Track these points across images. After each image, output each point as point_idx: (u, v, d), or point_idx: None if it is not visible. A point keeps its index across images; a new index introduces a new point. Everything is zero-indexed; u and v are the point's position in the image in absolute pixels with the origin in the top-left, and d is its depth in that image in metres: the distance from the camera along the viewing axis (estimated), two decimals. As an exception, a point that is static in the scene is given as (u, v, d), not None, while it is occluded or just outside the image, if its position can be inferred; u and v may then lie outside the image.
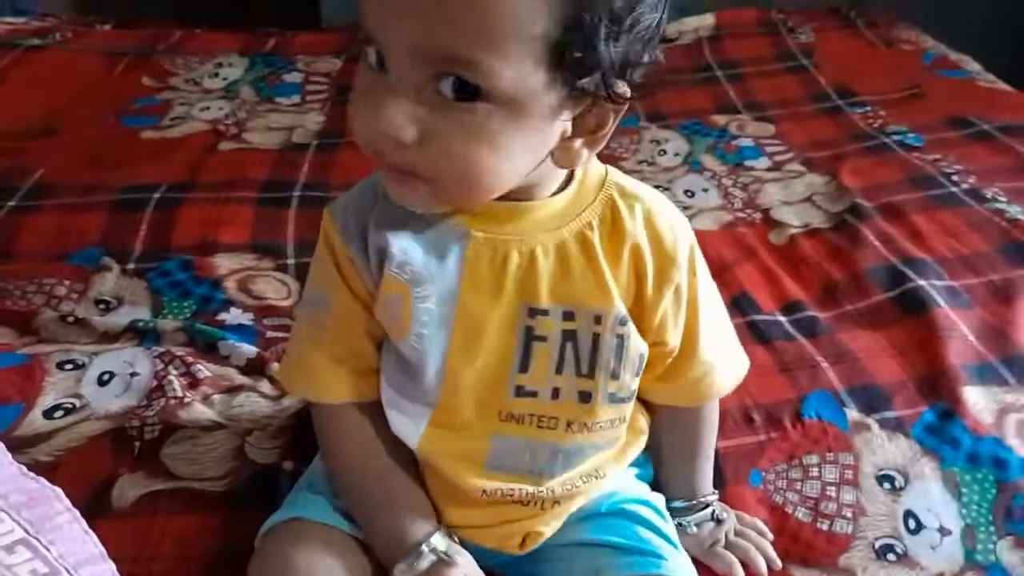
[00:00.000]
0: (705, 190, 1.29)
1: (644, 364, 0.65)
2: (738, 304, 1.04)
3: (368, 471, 0.67)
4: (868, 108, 1.52)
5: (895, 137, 1.41)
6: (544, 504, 0.67)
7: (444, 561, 0.62)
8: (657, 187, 1.27)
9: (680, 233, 0.64)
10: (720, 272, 1.08)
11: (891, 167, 1.32)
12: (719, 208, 1.24)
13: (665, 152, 1.39)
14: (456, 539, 0.65)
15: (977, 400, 0.89)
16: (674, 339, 0.65)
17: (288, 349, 0.71)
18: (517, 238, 0.60)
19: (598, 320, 0.61)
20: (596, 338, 0.62)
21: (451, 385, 0.63)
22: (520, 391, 0.63)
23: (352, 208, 0.63)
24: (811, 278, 1.10)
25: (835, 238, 1.17)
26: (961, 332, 0.98)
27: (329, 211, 0.64)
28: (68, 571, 0.49)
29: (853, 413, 0.88)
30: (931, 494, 0.80)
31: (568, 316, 0.61)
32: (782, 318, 1.02)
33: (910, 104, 1.52)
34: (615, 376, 0.63)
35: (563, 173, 0.60)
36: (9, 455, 0.55)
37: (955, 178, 1.28)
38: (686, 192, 1.28)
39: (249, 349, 0.94)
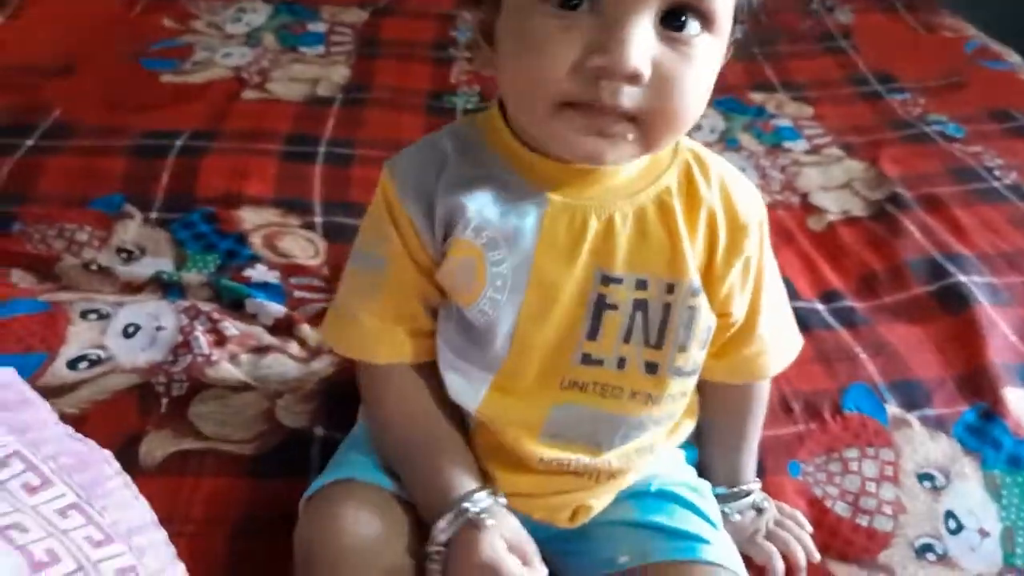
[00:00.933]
0: (743, 170, 1.25)
1: (711, 337, 0.64)
2: None
3: (414, 430, 0.65)
4: (908, 95, 1.48)
5: (935, 127, 1.38)
6: (599, 477, 0.66)
7: (475, 523, 0.60)
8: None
9: (754, 203, 0.64)
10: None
11: (931, 157, 1.29)
12: (757, 189, 1.21)
13: (700, 127, 1.35)
14: (503, 501, 0.64)
15: (1018, 401, 0.87)
16: (739, 311, 0.64)
17: (335, 305, 0.68)
18: (596, 203, 0.59)
19: (671, 290, 0.60)
20: (667, 308, 0.61)
21: (519, 351, 0.61)
22: (586, 359, 0.62)
23: (414, 168, 0.61)
24: (849, 267, 1.07)
25: (874, 227, 1.14)
26: (1002, 331, 0.96)
27: (389, 170, 0.62)
28: (121, 538, 0.47)
29: (893, 408, 0.86)
30: (972, 495, 0.79)
31: (641, 285, 0.60)
32: (820, 306, 1.00)
33: (950, 93, 1.49)
34: (683, 348, 0.62)
35: None
36: (55, 414, 0.53)
37: (997, 172, 1.25)
38: (722, 171, 1.25)
39: (277, 308, 0.91)
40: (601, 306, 0.60)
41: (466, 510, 0.61)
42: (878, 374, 0.90)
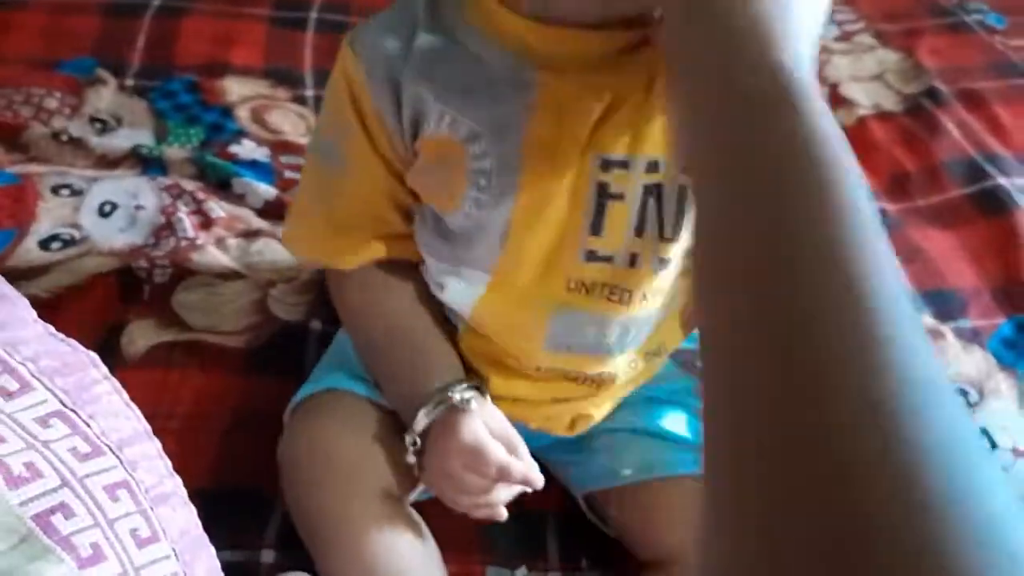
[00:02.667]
0: (769, 55, 1.16)
1: None
2: None
3: (390, 330, 0.59)
4: (947, -21, 1.37)
5: (975, 15, 1.28)
6: (602, 383, 0.60)
7: (457, 408, 0.55)
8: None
9: None
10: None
11: (972, 49, 1.20)
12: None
13: None
14: (487, 394, 0.58)
15: (1057, 315, 0.83)
16: None
17: (295, 203, 0.61)
18: (596, 78, 0.49)
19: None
20: (683, 190, 0.52)
21: (514, 254, 0.53)
22: (592, 256, 0.53)
23: (381, 44, 0.50)
24: (880, 166, 1.00)
25: (908, 123, 1.06)
26: (1043, 238, 0.90)
27: (350, 47, 0.51)
28: (111, 450, 0.41)
29: (926, 319, 0.81)
30: (1006, 412, 0.75)
31: (651, 167, 0.51)
32: (850, 207, 0.94)
33: (993, -21, 1.38)
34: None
35: None
36: (33, 312, 0.47)
37: (1041, 68, 1.17)
38: (747, 56, 1.16)
39: (267, 189, 0.84)
40: (604, 196, 0.51)
41: (448, 397, 0.55)
42: (912, 281, 0.85)
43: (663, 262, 0.54)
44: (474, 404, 0.55)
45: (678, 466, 0.60)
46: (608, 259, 0.53)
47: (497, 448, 0.54)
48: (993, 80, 1.14)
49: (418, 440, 0.56)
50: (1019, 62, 1.18)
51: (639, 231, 0.53)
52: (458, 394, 0.55)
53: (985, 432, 0.73)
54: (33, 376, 0.43)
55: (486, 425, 0.55)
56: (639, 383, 0.63)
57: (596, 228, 0.52)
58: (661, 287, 0.56)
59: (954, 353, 0.79)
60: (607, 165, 0.51)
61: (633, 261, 0.54)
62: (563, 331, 0.56)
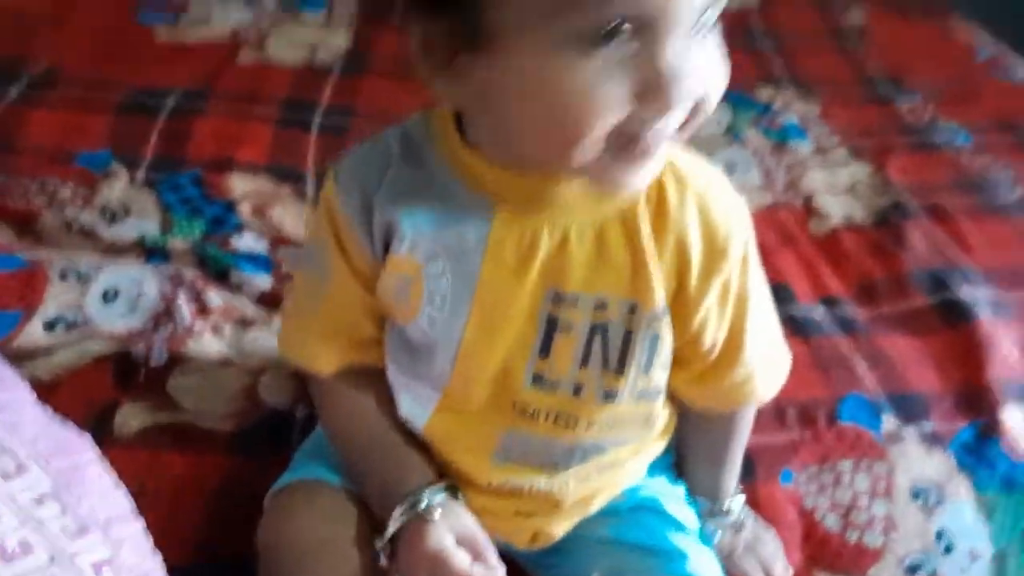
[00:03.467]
0: (747, 167, 1.23)
1: (670, 361, 0.59)
2: (776, 293, 0.96)
3: (365, 433, 0.63)
4: (917, 99, 1.45)
5: (944, 134, 1.35)
6: (557, 497, 0.62)
7: (423, 516, 0.57)
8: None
9: (736, 224, 0.56)
10: (759, 257, 1.03)
11: (939, 166, 1.27)
12: (760, 188, 1.19)
13: (706, 120, 1.32)
14: (459, 494, 0.61)
15: (1017, 421, 0.86)
16: (712, 338, 0.58)
17: (285, 310, 0.66)
18: (550, 216, 0.53)
19: (632, 311, 0.55)
20: (628, 331, 0.55)
21: (463, 372, 0.57)
22: (537, 380, 0.57)
23: (358, 174, 0.56)
24: (851, 274, 1.05)
25: (877, 235, 1.12)
26: (1003, 347, 0.94)
27: (332, 175, 0.57)
28: (98, 529, 0.44)
29: (889, 421, 0.84)
30: (964, 515, 0.77)
31: (600, 306, 0.55)
32: (820, 313, 0.98)
33: (961, 101, 1.45)
34: (646, 372, 0.58)
35: None
36: (33, 394, 0.50)
37: (1004, 186, 1.23)
38: (726, 166, 1.22)
39: (263, 281, 0.89)
40: (553, 326, 0.55)
41: (416, 503, 0.58)
42: (875, 385, 0.88)
43: (608, 395, 0.57)
44: (438, 513, 0.57)
45: (645, 572, 0.62)
46: (553, 386, 0.57)
47: (461, 557, 0.55)
48: (958, 195, 1.20)
49: (388, 546, 0.58)
50: (984, 178, 1.24)
51: (584, 363, 0.56)
52: (425, 500, 0.58)
53: (944, 534, 0.76)
54: (30, 458, 0.46)
55: (452, 530, 0.57)
56: (596, 503, 0.65)
57: (544, 353, 0.56)
58: (608, 418, 0.59)
59: (915, 455, 0.81)
60: (558, 298, 0.54)
61: (578, 391, 0.57)
62: (511, 450, 0.60)
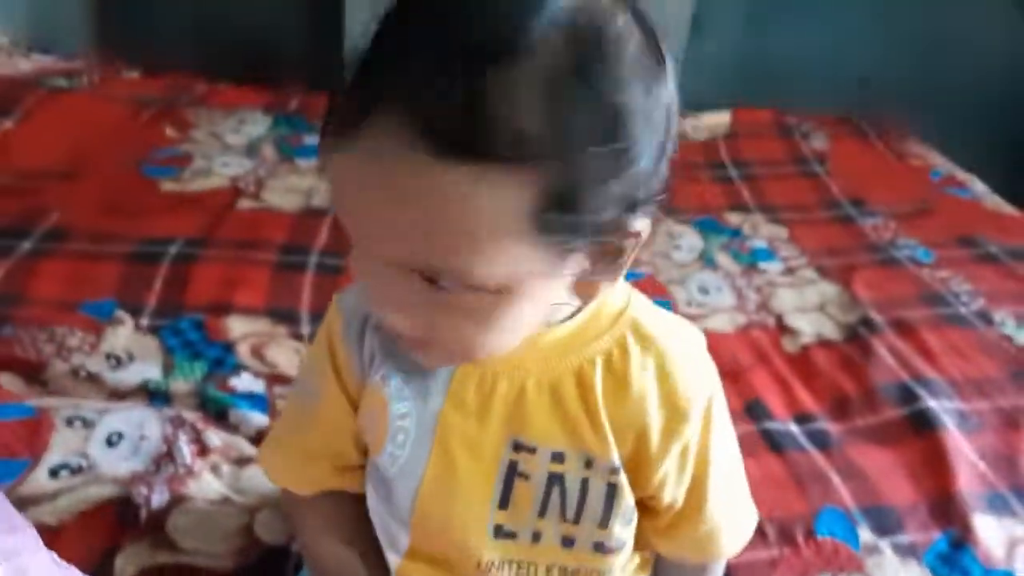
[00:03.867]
0: (719, 289, 1.30)
1: (635, 516, 0.60)
2: (751, 410, 1.04)
3: (332, 555, 0.65)
4: (879, 219, 1.54)
5: (905, 251, 1.43)
6: None
7: None
8: (669, 283, 1.29)
9: (697, 387, 0.57)
10: (734, 376, 1.09)
11: (902, 282, 1.34)
12: (733, 309, 1.25)
13: (680, 247, 1.40)
14: None
15: (988, 530, 0.89)
16: (671, 495, 0.59)
17: (272, 430, 0.69)
18: (508, 368, 0.55)
19: (589, 464, 0.56)
20: (585, 483, 0.57)
21: (424, 513, 0.59)
22: (499, 531, 0.58)
23: (358, 307, 0.59)
24: (823, 389, 1.10)
25: (847, 350, 1.17)
26: (969, 458, 0.98)
27: (336, 303, 0.61)
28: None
29: (865, 534, 0.87)
30: (944, 627, 0.79)
31: (557, 458, 0.56)
32: (795, 428, 1.02)
33: (919, 219, 1.55)
34: (603, 525, 0.58)
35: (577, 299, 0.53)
36: (40, 540, 0.54)
37: (964, 298, 1.30)
38: (700, 290, 1.29)
39: (260, 420, 0.93)
40: (513, 473, 0.57)
41: None
42: (850, 498, 0.91)
43: (566, 541, 0.59)
44: None
45: None
46: (512, 535, 0.59)
47: None
48: (922, 309, 1.26)
49: None
50: (945, 292, 1.31)
51: (542, 513, 0.58)
52: None
53: (925, 647, 0.77)
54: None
55: None
56: None
57: (504, 503, 0.57)
58: (568, 565, 0.60)
59: (892, 567, 0.84)
60: (518, 447, 0.56)
61: (537, 538, 0.59)
62: None
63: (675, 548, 0.64)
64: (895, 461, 0.98)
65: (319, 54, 2.29)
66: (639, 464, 0.57)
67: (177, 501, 0.80)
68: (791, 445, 0.99)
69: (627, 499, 0.58)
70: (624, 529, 0.59)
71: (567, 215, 0.43)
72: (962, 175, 1.72)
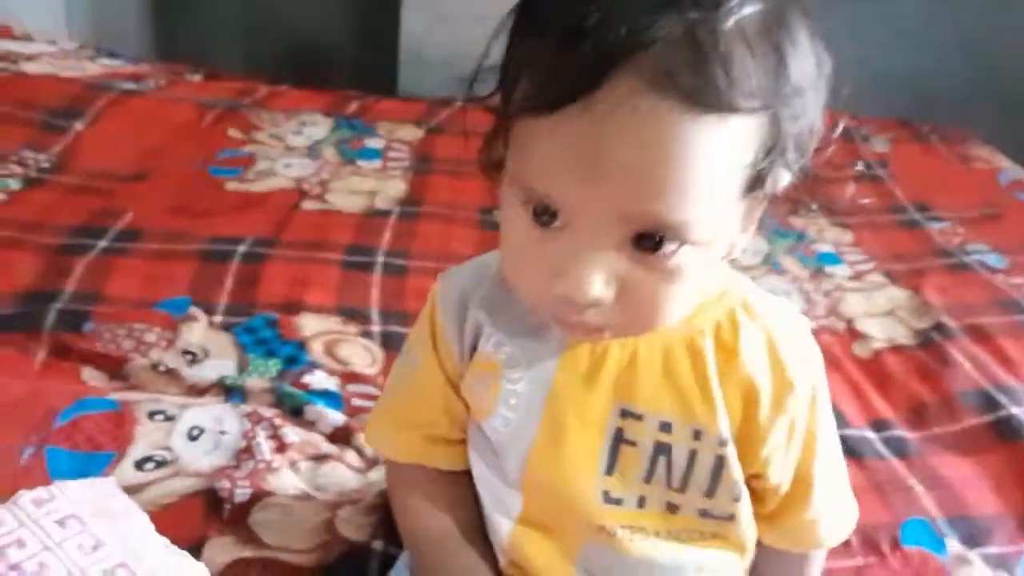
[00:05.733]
0: (787, 293, 1.28)
1: (743, 491, 0.60)
2: None
3: (430, 530, 0.66)
4: (947, 224, 1.51)
5: (976, 256, 1.40)
6: None
7: None
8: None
9: (807, 364, 0.59)
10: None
11: (975, 287, 1.31)
12: (802, 313, 1.23)
13: (744, 251, 1.38)
14: None
15: (1081, 541, 0.86)
16: (777, 476, 0.60)
17: (378, 401, 0.73)
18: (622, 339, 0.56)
19: (697, 436, 0.57)
20: (692, 455, 0.58)
21: (535, 476, 0.60)
22: (607, 497, 0.60)
23: (459, 283, 0.64)
24: (898, 396, 1.08)
25: (922, 356, 1.15)
26: (1058, 466, 0.95)
27: (440, 280, 0.65)
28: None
29: (953, 544, 0.85)
30: (1039, 640, 0.77)
31: (665, 427, 0.58)
32: (871, 435, 1.00)
33: (988, 223, 1.52)
34: (710, 495, 0.59)
35: None
36: (152, 525, 0.55)
37: (1041, 305, 1.26)
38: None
39: (336, 416, 0.93)
40: (619, 440, 0.58)
41: None
42: (935, 508, 0.89)
43: (672, 507, 0.60)
44: None
45: None
46: (619, 502, 0.60)
47: None
48: (997, 315, 1.24)
49: None
50: (1020, 298, 1.28)
51: (648, 480, 0.59)
52: None
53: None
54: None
55: None
56: None
57: (610, 470, 0.59)
58: (675, 528, 0.61)
59: (983, 579, 0.82)
60: (625, 414, 0.58)
61: (642, 503, 0.60)
62: (593, 563, 0.62)
63: (779, 537, 0.64)
64: (979, 470, 0.95)
65: (373, 57, 2.33)
66: (747, 436, 0.58)
67: (258, 496, 0.81)
68: (869, 452, 0.97)
69: (734, 473, 0.59)
70: (731, 504, 0.60)
71: (772, 168, 0.47)
72: (1032, 179, 1.68)
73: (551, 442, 0.59)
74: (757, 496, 0.62)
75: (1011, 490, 0.92)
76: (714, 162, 0.45)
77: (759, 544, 0.67)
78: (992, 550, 0.85)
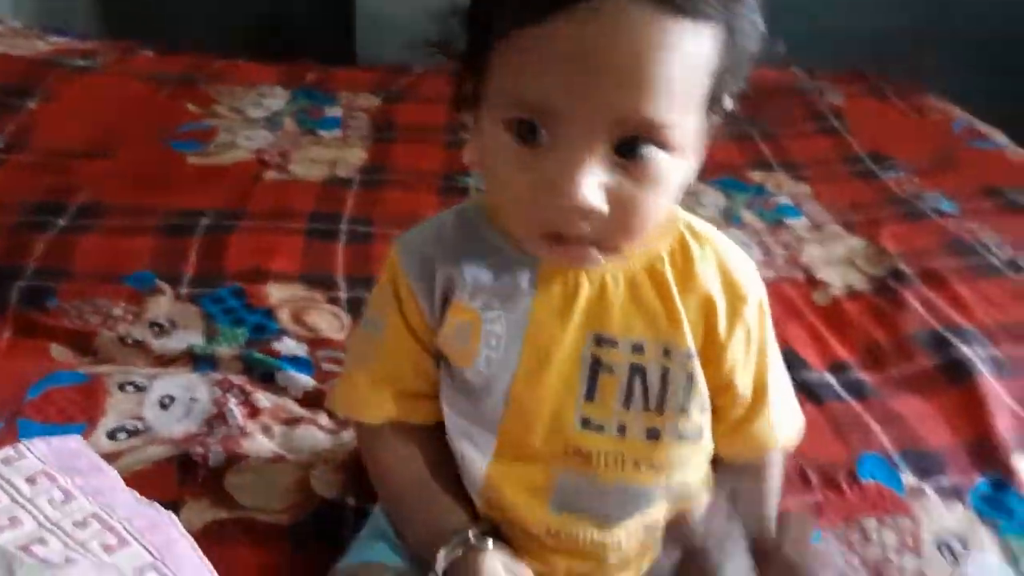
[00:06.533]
0: (747, 246, 1.30)
1: (708, 405, 0.65)
2: (787, 360, 1.03)
3: (408, 482, 0.68)
4: (901, 173, 1.54)
5: (930, 203, 1.44)
6: (609, 552, 0.66)
7: (476, 547, 0.63)
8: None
9: (752, 276, 0.65)
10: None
11: (929, 234, 1.34)
12: (762, 265, 1.26)
13: (704, 205, 1.41)
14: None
15: (1029, 470, 0.90)
16: (742, 384, 0.65)
17: (340, 374, 0.74)
18: (589, 270, 0.61)
19: (667, 353, 0.62)
20: (665, 372, 0.62)
21: (516, 410, 0.63)
22: (586, 423, 0.63)
23: (418, 244, 0.66)
24: (856, 340, 1.11)
25: (878, 301, 1.18)
26: (1007, 403, 0.99)
27: (396, 244, 0.67)
28: (196, 600, 0.49)
29: (908, 478, 0.89)
30: (990, 563, 0.81)
31: (637, 349, 0.62)
32: (830, 378, 1.03)
33: (942, 172, 1.55)
34: (683, 411, 0.63)
35: None
36: (122, 481, 0.56)
37: (993, 248, 1.30)
38: (728, 247, 1.30)
39: (306, 380, 0.94)
40: (597, 367, 0.62)
41: (466, 537, 0.63)
42: (890, 444, 0.93)
43: (651, 433, 0.63)
44: (490, 543, 0.63)
45: None
46: (600, 428, 0.63)
47: None
48: (950, 259, 1.27)
49: None
50: (973, 242, 1.32)
51: (626, 404, 0.63)
52: (475, 533, 0.63)
53: (972, 583, 0.79)
54: (128, 533, 0.51)
55: (503, 561, 0.62)
56: (646, 562, 0.69)
57: (590, 395, 0.63)
58: (653, 459, 0.64)
59: (937, 509, 0.85)
60: (600, 341, 0.62)
61: (623, 430, 0.63)
62: (567, 493, 0.64)
63: (738, 447, 0.69)
64: (932, 408, 0.99)
65: (330, 25, 2.30)
66: (709, 349, 0.63)
67: (232, 460, 0.82)
68: (829, 395, 1.00)
69: (702, 386, 0.63)
70: (701, 416, 0.64)
71: (726, 84, 0.53)
72: (984, 127, 1.71)
73: (532, 373, 0.62)
74: (722, 412, 0.66)
75: (962, 426, 0.96)
76: (688, 64, 0.50)
77: (719, 468, 0.71)
78: (945, 482, 0.88)
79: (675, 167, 0.54)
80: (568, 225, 0.53)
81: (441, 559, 0.63)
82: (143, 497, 0.56)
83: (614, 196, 0.52)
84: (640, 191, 0.53)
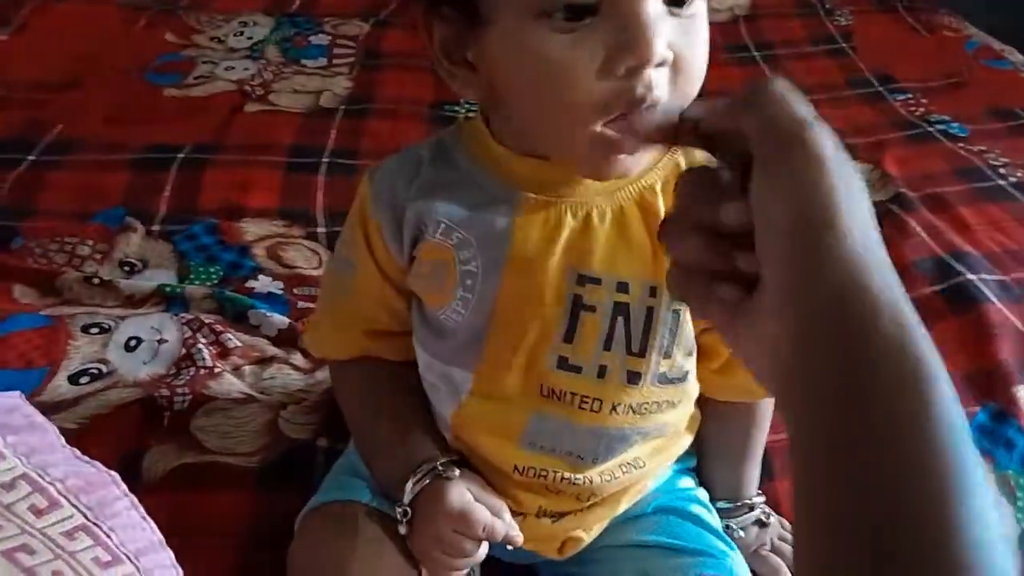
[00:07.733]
0: (745, 173, 1.25)
1: (695, 346, 0.62)
2: None
3: (378, 413, 0.67)
4: (909, 95, 1.47)
5: (938, 126, 1.37)
6: (581, 496, 0.63)
7: (442, 476, 0.61)
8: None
9: None
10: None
11: (935, 157, 1.28)
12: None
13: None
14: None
15: (1032, 400, 0.86)
16: None
17: (312, 314, 0.73)
18: (572, 200, 0.57)
19: (653, 293, 0.58)
20: (650, 312, 0.58)
21: (493, 350, 0.60)
22: (563, 363, 0.59)
23: (390, 176, 0.61)
24: (856, 268, 1.07)
25: (881, 227, 1.13)
26: (1013, 327, 0.95)
27: (367, 176, 0.63)
28: (130, 559, 0.47)
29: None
30: (985, 497, 0.78)
31: (622, 288, 0.58)
32: (827, 308, 0.99)
33: (952, 93, 1.48)
34: (667, 355, 0.60)
35: None
36: (61, 438, 0.53)
37: (1002, 171, 1.24)
38: (725, 174, 1.25)
39: (280, 319, 0.91)
40: (578, 307, 0.58)
41: (433, 467, 0.61)
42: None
43: (631, 377, 0.59)
44: (457, 471, 0.61)
45: (675, 570, 0.64)
46: (578, 369, 0.59)
47: (482, 510, 0.59)
48: (957, 184, 1.21)
49: (408, 510, 0.61)
50: (981, 165, 1.26)
51: (607, 345, 0.59)
52: (442, 463, 0.61)
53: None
54: (61, 494, 0.48)
55: (470, 489, 0.60)
56: (624, 503, 0.66)
57: (569, 337, 0.58)
58: (632, 402, 0.60)
59: (932, 442, 0.82)
60: (582, 279, 0.57)
61: (602, 373, 0.59)
62: (539, 433, 0.61)
63: (727, 389, 0.66)
64: (934, 336, 0.93)
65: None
66: None
67: (200, 402, 0.79)
68: (824, 325, 0.96)
69: (688, 328, 0.60)
70: (686, 360, 0.61)
71: None
72: (999, 45, 1.63)
73: (509, 317, 0.59)
74: (711, 352, 0.63)
75: (962, 355, 0.92)
76: None
77: (707, 411, 0.68)
78: (941, 414, 0.85)
79: (706, 10, 0.51)
80: (644, 87, 0.48)
81: (408, 490, 0.61)
82: (83, 455, 0.53)
83: (674, 51, 0.49)
84: (694, 41, 0.50)
